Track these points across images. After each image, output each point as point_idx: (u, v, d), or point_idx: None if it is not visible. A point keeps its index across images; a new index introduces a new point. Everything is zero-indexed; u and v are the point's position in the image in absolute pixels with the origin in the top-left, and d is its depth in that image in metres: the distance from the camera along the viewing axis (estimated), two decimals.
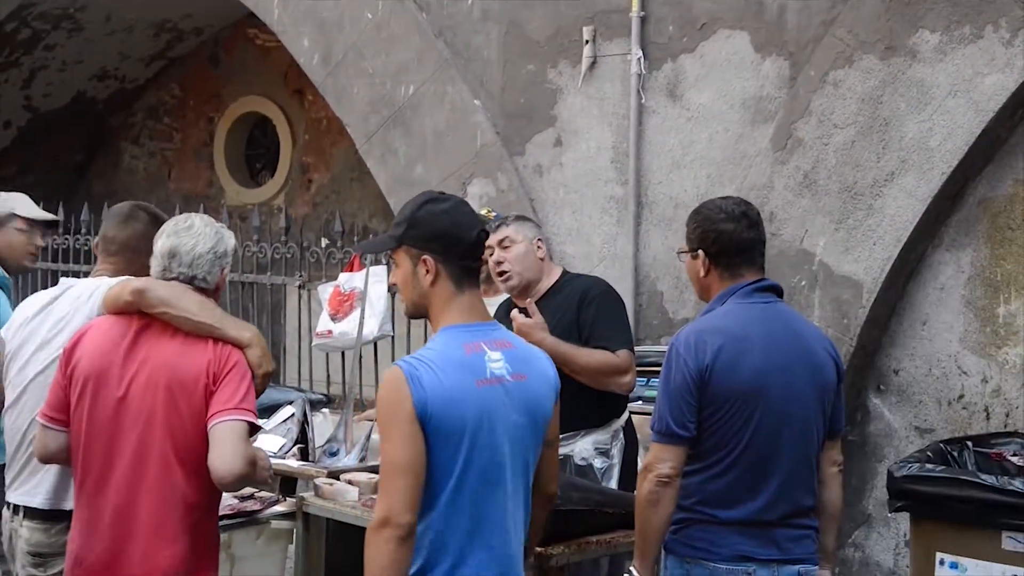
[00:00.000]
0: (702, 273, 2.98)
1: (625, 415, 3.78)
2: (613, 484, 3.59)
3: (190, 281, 2.82)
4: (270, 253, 6.82)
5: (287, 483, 3.78)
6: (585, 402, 3.62)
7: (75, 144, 10.52)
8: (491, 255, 3.87)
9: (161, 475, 2.68)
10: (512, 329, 3.80)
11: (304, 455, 4.01)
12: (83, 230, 8.07)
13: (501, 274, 3.84)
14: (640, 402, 4.22)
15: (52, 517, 2.92)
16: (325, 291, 6.21)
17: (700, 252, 2.97)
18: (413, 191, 6.03)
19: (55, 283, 3.20)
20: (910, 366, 4.87)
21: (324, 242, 6.71)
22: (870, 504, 4.97)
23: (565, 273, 3.91)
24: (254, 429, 2.72)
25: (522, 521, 2.52)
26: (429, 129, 5.98)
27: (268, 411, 4.22)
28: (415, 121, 6.02)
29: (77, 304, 3.01)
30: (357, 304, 6.14)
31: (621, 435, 3.69)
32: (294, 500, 3.62)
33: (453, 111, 5.91)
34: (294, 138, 9.63)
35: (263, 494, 3.64)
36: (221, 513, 3.29)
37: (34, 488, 2.96)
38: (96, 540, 2.69)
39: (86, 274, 3.25)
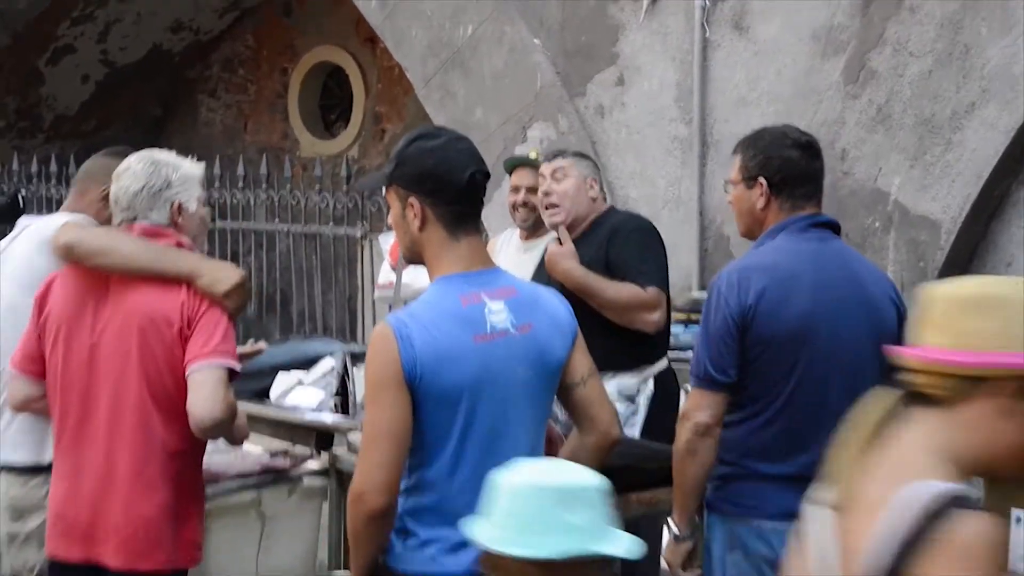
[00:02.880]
0: (760, 205, 2.74)
1: (662, 363, 3.57)
2: (635, 433, 3.39)
3: (133, 221, 2.69)
4: (332, 203, 6.71)
5: (323, 438, 3.66)
6: (614, 342, 3.43)
7: (153, 97, 10.54)
8: (543, 187, 3.69)
9: (139, 423, 2.57)
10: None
11: (344, 408, 3.88)
12: None
13: (548, 206, 3.66)
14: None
15: (30, 471, 2.83)
16: (386, 241, 6.10)
17: (761, 180, 2.72)
18: (472, 137, 5.80)
19: None
20: None
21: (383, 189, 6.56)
22: None
23: (610, 210, 3.71)
24: (234, 375, 2.59)
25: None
26: (488, 71, 5.79)
27: (309, 363, 4.11)
28: (474, 62, 5.84)
29: (31, 246, 2.90)
30: None
31: (651, 383, 3.48)
32: (327, 456, 3.50)
33: (512, 51, 5.71)
34: (367, 87, 9.51)
35: (298, 450, 3.52)
36: (249, 471, 3.19)
37: (9, 443, 2.87)
38: (76, 491, 2.60)
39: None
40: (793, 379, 2.61)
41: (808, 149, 2.74)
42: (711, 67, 5.10)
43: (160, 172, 2.73)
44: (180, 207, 2.74)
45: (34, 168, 8.44)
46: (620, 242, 3.52)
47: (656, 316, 3.45)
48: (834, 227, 2.77)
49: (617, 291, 3.43)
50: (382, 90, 9.39)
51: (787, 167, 2.71)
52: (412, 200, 2.26)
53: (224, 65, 10.43)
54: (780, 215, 2.72)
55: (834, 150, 4.67)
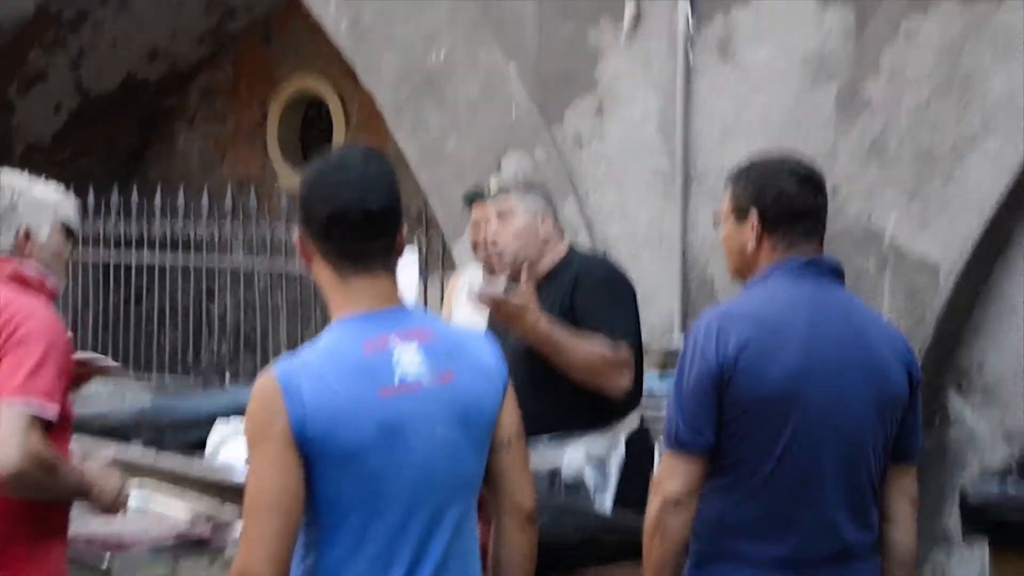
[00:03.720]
0: (751, 244, 2.37)
1: (633, 419, 3.21)
2: (607, 503, 3.03)
3: None
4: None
5: None
6: (580, 397, 3.07)
7: (129, 127, 10.26)
8: (489, 230, 3.36)
9: None
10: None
11: None
12: (156, 215, 7.65)
13: (495, 253, 3.30)
14: None
15: None
16: None
17: (754, 213, 2.37)
18: (444, 167, 5.60)
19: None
20: (997, 361, 4.26)
21: None
22: (950, 521, 4.33)
23: (570, 252, 3.35)
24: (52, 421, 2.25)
25: (469, 556, 1.99)
26: (462, 98, 5.50)
27: None
28: (448, 89, 5.55)
29: None
30: None
31: (621, 444, 3.11)
32: None
33: (487, 77, 5.42)
34: (348, 119, 9.26)
35: (225, 514, 3.16)
36: (165, 539, 2.84)
37: None
38: None
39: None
40: (779, 447, 2.24)
41: (808, 181, 2.39)
42: (695, 95, 4.84)
43: (3, 195, 2.50)
44: (27, 234, 2.50)
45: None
46: (586, 293, 3.15)
47: (625, 381, 3.09)
48: (836, 271, 2.42)
49: (587, 351, 3.06)
50: (362, 121, 9.12)
51: (783, 200, 2.35)
52: (298, 232, 1.97)
53: (202, 94, 10.18)
54: (774, 255, 2.36)
55: (825, 185, 4.35)
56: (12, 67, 9.10)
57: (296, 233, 1.96)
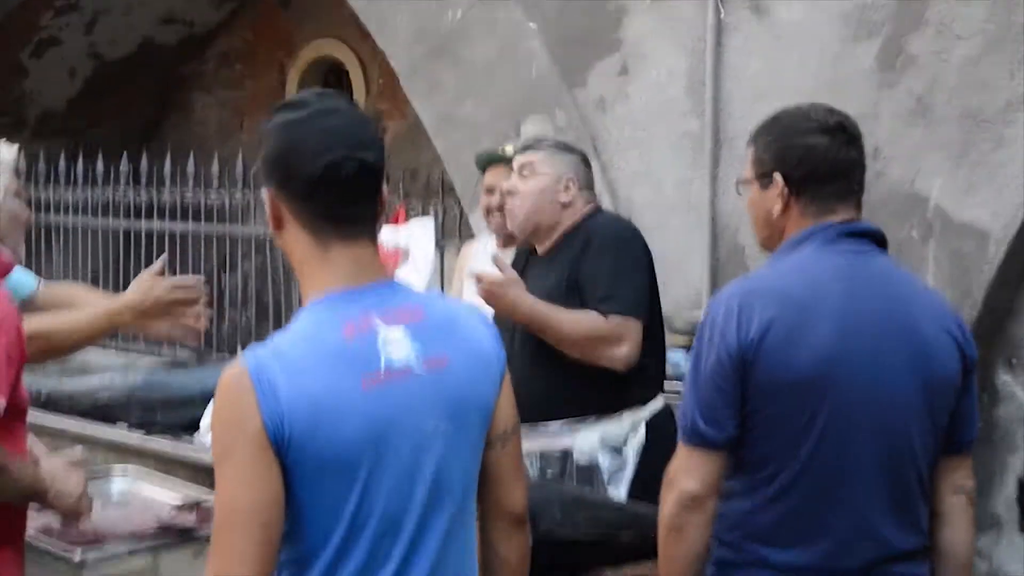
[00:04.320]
0: (778, 208, 2.10)
1: (655, 403, 2.95)
2: (622, 492, 2.78)
3: None
4: None
5: None
6: (595, 381, 2.83)
7: (146, 94, 10.07)
8: (507, 184, 3.15)
9: None
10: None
11: None
12: (166, 183, 7.45)
13: (501, 208, 3.07)
14: None
15: None
16: None
17: (778, 177, 2.10)
18: (461, 132, 5.35)
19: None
20: None
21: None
22: (1000, 504, 4.06)
23: (589, 216, 3.09)
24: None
25: (464, 565, 1.75)
26: (479, 59, 5.23)
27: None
28: (464, 50, 5.28)
29: None
30: (402, 262, 5.50)
31: (642, 429, 2.87)
32: None
33: (505, 38, 5.15)
34: (368, 84, 9.03)
35: (209, 503, 2.94)
36: (145, 530, 2.62)
37: None
38: None
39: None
40: (810, 440, 1.98)
41: (839, 133, 2.10)
42: (726, 54, 4.54)
43: None
44: None
45: (21, 166, 7.89)
46: (591, 257, 2.93)
47: (624, 350, 2.85)
48: (877, 238, 2.13)
49: (574, 324, 2.85)
50: (384, 86, 8.88)
51: (810, 158, 2.07)
52: (267, 194, 1.71)
53: (221, 60, 9.99)
54: (803, 221, 2.09)
55: (865, 148, 4.07)
56: (25, 31, 8.93)
57: (265, 192, 1.70)
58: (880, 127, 4.09)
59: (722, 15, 4.52)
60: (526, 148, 3.14)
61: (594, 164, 4.84)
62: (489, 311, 2.86)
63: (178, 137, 10.01)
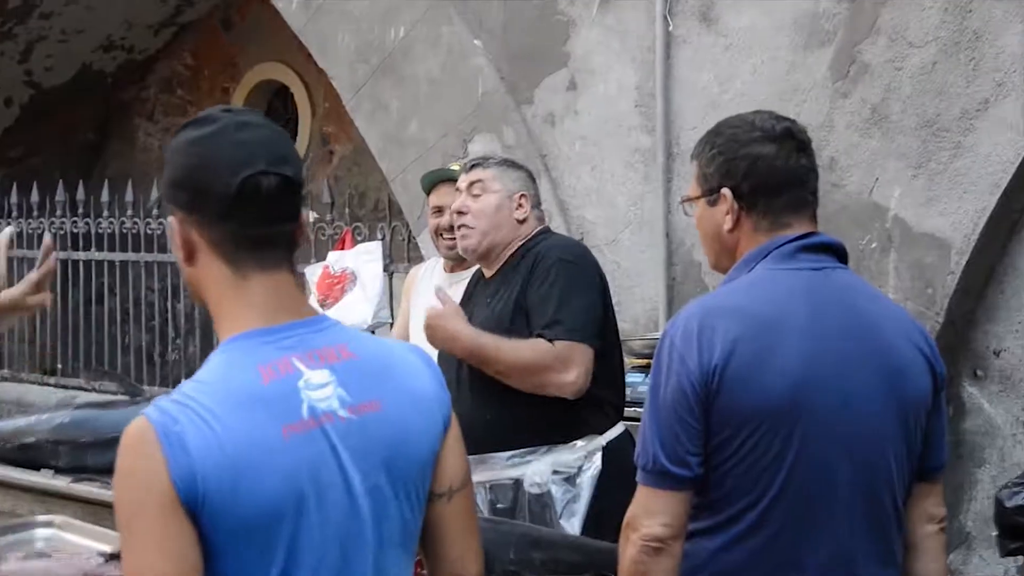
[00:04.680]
0: (727, 226, 1.96)
1: (614, 431, 2.80)
2: (576, 526, 2.63)
3: None
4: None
5: None
6: (546, 411, 2.69)
7: (86, 121, 9.83)
8: (456, 203, 2.97)
9: None
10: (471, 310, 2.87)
11: None
12: (104, 212, 7.20)
13: (460, 227, 2.91)
14: None
15: None
16: (313, 273, 5.42)
17: (726, 192, 1.95)
18: (407, 152, 5.19)
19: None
20: (1015, 345, 3.85)
21: (312, 215, 5.85)
22: (968, 520, 3.96)
23: (537, 235, 2.95)
24: None
25: None
26: (423, 77, 5.10)
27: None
28: (407, 68, 5.14)
29: None
30: (349, 287, 5.34)
31: (598, 457, 2.71)
32: None
33: (450, 54, 5.02)
34: (313, 106, 8.89)
35: None
36: None
37: None
38: None
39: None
40: (782, 471, 1.83)
41: (787, 140, 1.96)
42: (676, 66, 4.43)
43: None
44: None
45: None
46: (537, 280, 2.77)
47: (571, 377, 2.69)
48: (836, 251, 2.00)
49: (516, 353, 2.69)
50: (329, 109, 8.73)
51: (758, 169, 1.93)
52: (175, 219, 1.53)
53: (162, 86, 9.79)
54: (757, 237, 1.95)
55: (821, 158, 3.93)
56: None
57: (172, 219, 1.52)
58: (836, 137, 4.00)
59: (670, 27, 4.41)
60: (474, 165, 2.98)
61: (544, 181, 4.74)
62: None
63: (121, 165, 9.78)
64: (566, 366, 2.65)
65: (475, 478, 2.69)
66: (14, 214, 7.46)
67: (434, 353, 2.64)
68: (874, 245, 3.90)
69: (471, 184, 2.93)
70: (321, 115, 8.82)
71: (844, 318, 1.90)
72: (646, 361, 3.63)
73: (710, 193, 1.98)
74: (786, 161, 1.94)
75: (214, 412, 1.40)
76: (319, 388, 1.46)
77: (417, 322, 3.21)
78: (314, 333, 1.51)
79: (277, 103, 9.32)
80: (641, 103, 4.53)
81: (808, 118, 4.06)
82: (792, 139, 1.96)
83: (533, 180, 3.05)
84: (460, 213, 2.91)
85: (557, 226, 4.67)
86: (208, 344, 7.41)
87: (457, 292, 3.18)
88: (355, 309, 5.19)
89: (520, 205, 2.93)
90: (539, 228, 2.95)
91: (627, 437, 2.78)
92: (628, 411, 3.07)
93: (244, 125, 1.50)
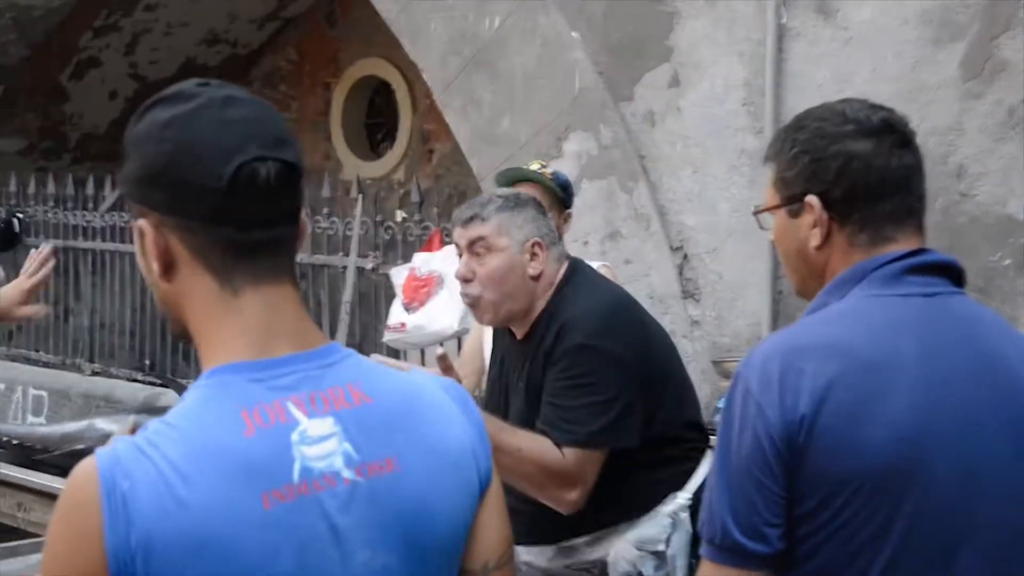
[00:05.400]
0: (814, 242, 1.60)
1: (697, 476, 2.45)
2: None
3: None
4: (342, 229, 5.76)
5: None
6: (616, 480, 2.35)
7: None
8: (460, 266, 2.50)
9: None
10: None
11: None
12: None
13: (465, 297, 2.52)
14: None
15: None
16: (399, 275, 5.20)
17: (812, 200, 1.60)
18: (498, 151, 4.95)
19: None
20: None
21: (400, 215, 5.64)
22: None
23: (560, 288, 2.49)
24: None
25: None
26: (518, 71, 4.87)
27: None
28: (502, 62, 4.90)
29: None
30: (435, 291, 5.10)
31: (685, 519, 2.36)
32: None
33: (546, 47, 4.78)
34: (414, 103, 8.74)
35: None
36: None
37: None
38: None
39: None
40: (887, 550, 1.46)
41: (887, 134, 1.59)
42: (788, 61, 4.18)
43: None
44: None
45: (69, 191, 7.60)
46: (555, 363, 2.37)
47: (573, 496, 2.31)
48: (951, 271, 1.64)
49: (520, 453, 2.27)
50: (431, 106, 8.55)
51: (853, 170, 1.57)
52: (144, 221, 1.23)
53: (265, 80, 9.80)
54: (852, 255, 1.59)
55: (947, 165, 3.65)
56: (64, 52, 8.76)
57: (143, 223, 1.21)
58: (966, 141, 3.71)
59: (783, 18, 4.16)
60: (470, 219, 2.49)
61: (642, 184, 4.45)
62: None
63: None
64: (571, 483, 2.29)
65: (552, 566, 2.41)
66: (118, 207, 7.42)
67: None
68: (1007, 263, 3.53)
69: (472, 243, 2.46)
70: (422, 112, 8.68)
71: (966, 358, 1.52)
72: None
73: (791, 201, 1.62)
74: (887, 160, 1.57)
75: (178, 469, 1.11)
76: (319, 442, 1.16)
77: (489, 333, 2.92)
78: (319, 369, 1.21)
79: (378, 99, 9.22)
80: (749, 101, 4.28)
81: (935, 120, 3.74)
82: (892, 132, 1.59)
83: (543, 212, 2.59)
84: (465, 280, 2.46)
85: (654, 232, 4.39)
86: None
87: None
88: (441, 314, 4.96)
89: (534, 255, 2.46)
90: (562, 275, 2.51)
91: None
92: (714, 439, 2.74)
93: (230, 100, 1.20)
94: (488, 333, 2.91)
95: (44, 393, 6.69)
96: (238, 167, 1.16)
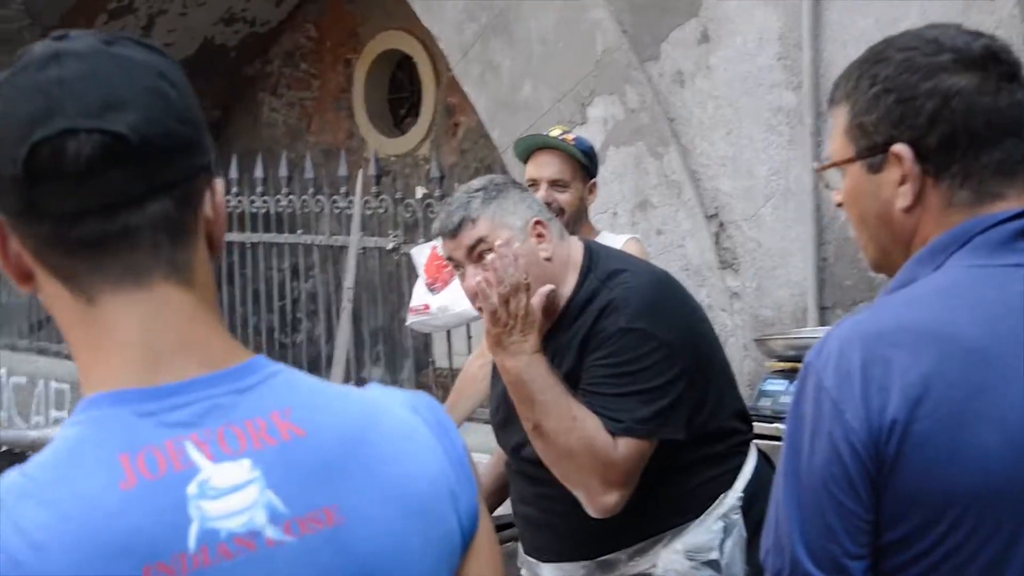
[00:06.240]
0: (902, 202, 1.30)
1: (744, 476, 2.18)
2: None
3: None
4: (359, 208, 5.54)
5: None
6: (659, 486, 2.10)
7: (210, 96, 9.72)
8: (467, 278, 2.18)
9: None
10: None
11: None
12: (233, 190, 6.91)
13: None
14: None
15: None
16: (421, 253, 4.96)
17: (899, 150, 1.29)
18: (519, 119, 4.71)
19: None
20: None
21: (420, 192, 5.41)
22: None
23: (587, 270, 2.23)
24: None
25: None
26: (536, 35, 4.67)
27: None
28: (519, 26, 4.70)
29: None
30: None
31: (737, 519, 2.12)
32: None
33: (566, 8, 4.57)
34: (437, 76, 8.53)
35: None
36: None
37: None
38: None
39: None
40: None
41: (992, 65, 1.30)
42: (828, 10, 3.95)
43: None
44: None
45: None
46: (595, 350, 2.11)
47: (613, 497, 2.05)
48: None
49: (575, 423, 2.02)
50: (454, 78, 8.33)
51: (953, 111, 1.27)
52: None
53: (286, 59, 9.64)
54: (949, 217, 1.29)
55: None
56: None
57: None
58: None
59: None
60: (458, 226, 2.18)
61: (673, 149, 4.20)
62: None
63: (246, 141, 9.66)
64: (613, 479, 2.03)
65: None
66: None
67: None
68: None
69: (472, 249, 2.17)
70: (445, 85, 8.45)
71: None
72: (789, 365, 3.02)
73: (872, 153, 1.31)
74: (995, 98, 1.27)
75: (30, 539, 0.85)
76: (227, 494, 0.89)
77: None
78: (232, 395, 0.93)
79: (400, 75, 9.01)
80: (785, 55, 4.05)
81: None
82: (999, 63, 1.30)
83: (524, 188, 2.35)
84: (489, 282, 2.11)
85: (687, 200, 4.14)
86: (333, 327, 7.07)
87: None
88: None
89: (540, 235, 2.20)
90: (583, 259, 2.24)
91: (763, 466, 2.19)
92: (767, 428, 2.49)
93: (56, 58, 0.92)
94: None
95: (66, 386, 6.61)
96: (33, 146, 0.90)
